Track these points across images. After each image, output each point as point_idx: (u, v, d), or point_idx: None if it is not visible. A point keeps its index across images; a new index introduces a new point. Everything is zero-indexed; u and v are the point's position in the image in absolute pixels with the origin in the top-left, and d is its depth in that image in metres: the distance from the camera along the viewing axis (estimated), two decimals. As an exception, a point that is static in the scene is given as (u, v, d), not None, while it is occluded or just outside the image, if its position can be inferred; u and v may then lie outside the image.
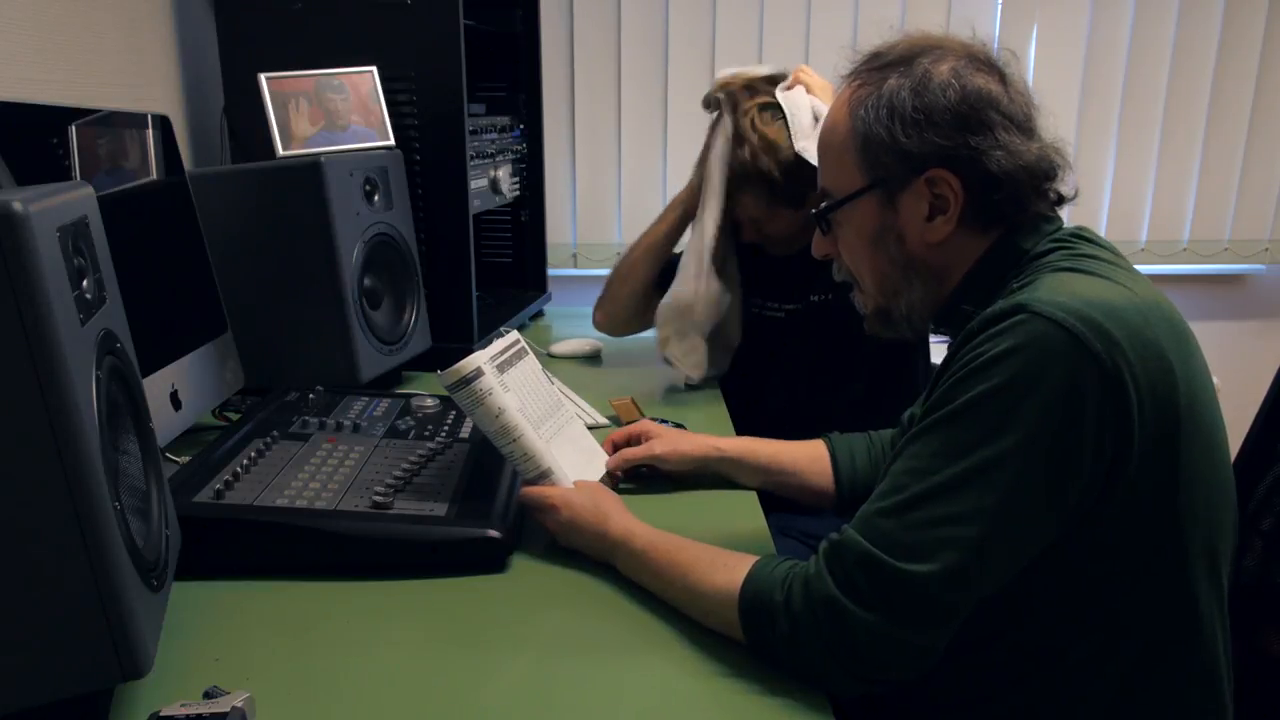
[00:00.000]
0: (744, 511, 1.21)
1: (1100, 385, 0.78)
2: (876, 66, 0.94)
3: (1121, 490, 0.81)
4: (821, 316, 1.63)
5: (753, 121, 1.53)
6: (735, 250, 1.69)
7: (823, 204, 1.00)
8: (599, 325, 1.87)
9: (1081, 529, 0.82)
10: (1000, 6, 2.62)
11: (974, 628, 0.83)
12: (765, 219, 1.60)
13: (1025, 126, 0.92)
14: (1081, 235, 0.94)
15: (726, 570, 0.90)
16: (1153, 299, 0.86)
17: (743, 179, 1.55)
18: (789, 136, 1.52)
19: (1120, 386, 0.78)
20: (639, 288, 1.76)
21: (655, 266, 1.74)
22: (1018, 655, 0.88)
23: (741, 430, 1.49)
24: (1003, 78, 0.93)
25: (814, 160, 1.48)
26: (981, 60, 0.93)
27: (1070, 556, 0.83)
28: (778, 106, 1.54)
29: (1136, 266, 0.92)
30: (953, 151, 0.90)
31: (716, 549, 0.95)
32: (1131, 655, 0.86)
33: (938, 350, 2.07)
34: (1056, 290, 0.82)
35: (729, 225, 1.64)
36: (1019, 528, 0.80)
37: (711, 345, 1.68)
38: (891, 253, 0.96)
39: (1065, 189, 0.96)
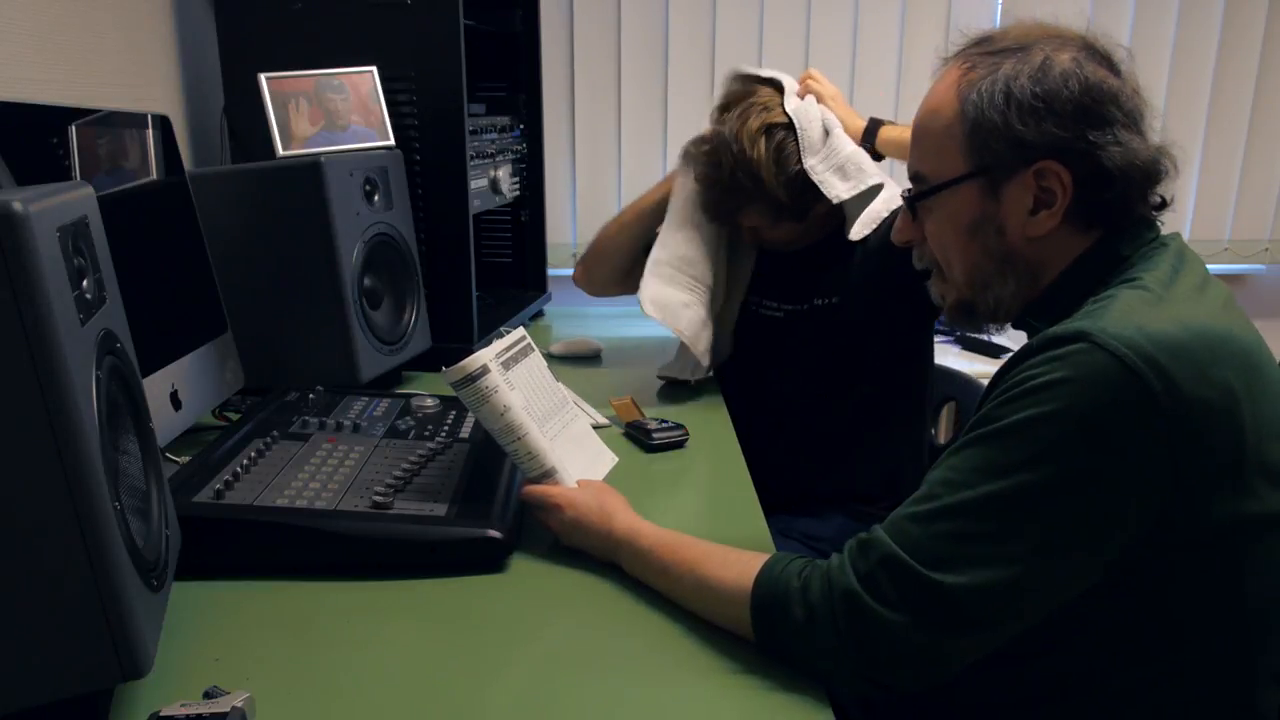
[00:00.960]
0: (744, 513, 1.20)
1: (1153, 427, 0.75)
2: (989, 51, 0.91)
3: (1173, 534, 0.78)
4: (825, 320, 1.60)
5: (759, 141, 1.50)
6: (742, 248, 1.69)
7: (916, 188, 0.97)
8: (577, 280, 1.87)
9: (1130, 569, 0.79)
10: (1000, 6, 2.62)
11: (1011, 643, 0.81)
12: (767, 229, 1.59)
13: (1139, 125, 0.90)
14: (1173, 245, 0.91)
15: (739, 565, 0.89)
16: (1227, 330, 0.82)
17: (747, 199, 1.53)
18: (799, 153, 1.50)
19: (1175, 429, 0.75)
20: (625, 247, 1.75)
21: (644, 233, 1.73)
22: (1051, 677, 0.86)
23: (741, 430, 1.49)
24: (1118, 73, 0.91)
25: (818, 180, 1.49)
26: (1099, 53, 0.91)
27: (1116, 595, 0.80)
28: (789, 124, 1.51)
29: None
30: (1069, 144, 0.87)
31: (726, 547, 0.94)
32: (1173, 696, 0.83)
33: (942, 351, 2.07)
34: (1124, 320, 0.79)
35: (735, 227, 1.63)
36: (1053, 562, 0.78)
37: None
38: (990, 244, 0.93)
39: (1168, 194, 0.94)
